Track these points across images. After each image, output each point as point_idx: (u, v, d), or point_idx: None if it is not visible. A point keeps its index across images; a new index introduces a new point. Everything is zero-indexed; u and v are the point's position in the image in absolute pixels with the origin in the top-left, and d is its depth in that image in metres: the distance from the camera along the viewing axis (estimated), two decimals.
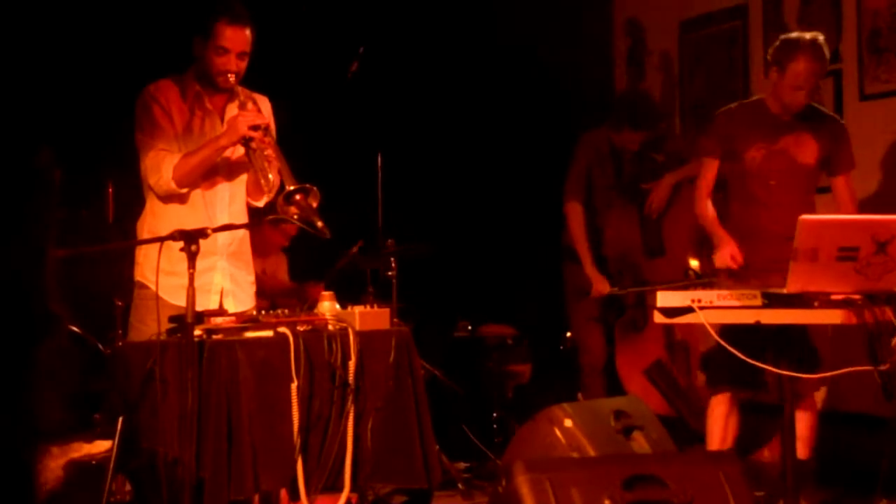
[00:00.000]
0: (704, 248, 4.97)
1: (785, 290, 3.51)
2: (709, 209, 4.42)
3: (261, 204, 3.94)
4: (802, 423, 4.20)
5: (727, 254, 4.26)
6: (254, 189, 3.88)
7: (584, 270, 5.51)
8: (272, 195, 3.72)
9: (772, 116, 4.32)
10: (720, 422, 4.34)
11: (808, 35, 4.20)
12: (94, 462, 3.82)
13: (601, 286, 5.47)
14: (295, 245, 5.61)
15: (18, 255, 1.57)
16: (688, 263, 5.34)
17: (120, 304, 4.44)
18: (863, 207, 5.24)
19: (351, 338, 3.45)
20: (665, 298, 3.62)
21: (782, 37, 4.28)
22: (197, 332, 3.25)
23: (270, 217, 3.89)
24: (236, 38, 3.72)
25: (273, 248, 5.54)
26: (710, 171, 4.41)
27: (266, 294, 4.19)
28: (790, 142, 4.32)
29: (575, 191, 5.61)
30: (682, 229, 5.41)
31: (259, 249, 4.38)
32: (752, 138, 4.31)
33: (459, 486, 4.75)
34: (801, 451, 4.18)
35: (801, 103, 4.24)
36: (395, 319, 3.84)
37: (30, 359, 1.55)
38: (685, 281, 4.93)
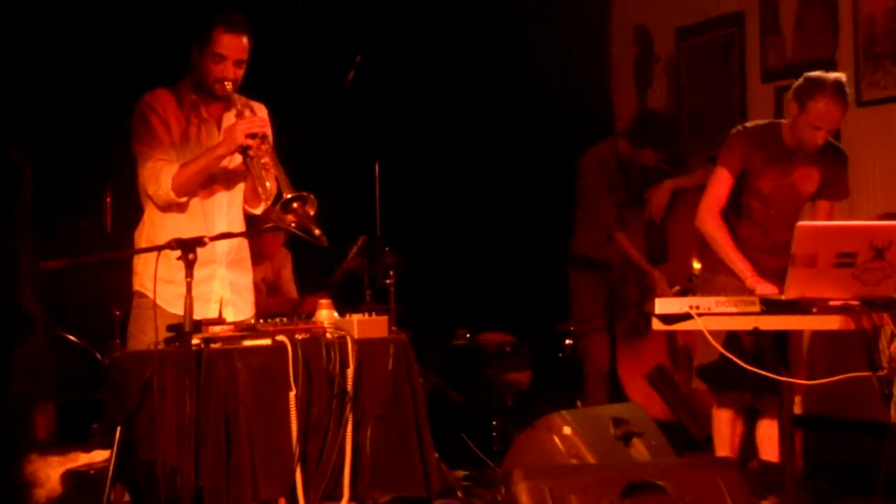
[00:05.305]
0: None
1: (783, 297, 3.51)
2: (724, 230, 4.27)
3: (258, 212, 3.94)
4: (775, 426, 4.26)
5: (767, 288, 4.00)
6: (251, 197, 3.88)
7: (652, 277, 5.58)
8: (270, 203, 3.72)
9: (785, 148, 4.26)
10: (728, 428, 4.34)
11: (831, 75, 4.14)
12: (92, 472, 3.82)
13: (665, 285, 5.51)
14: (295, 253, 5.61)
15: None
16: (692, 269, 5.37)
17: (118, 313, 4.43)
18: (860, 214, 5.26)
19: (349, 346, 3.45)
20: (663, 305, 3.62)
21: (806, 75, 4.20)
22: (195, 340, 3.25)
23: (268, 225, 3.89)
24: (234, 46, 3.72)
25: (274, 250, 5.53)
26: (724, 185, 4.27)
27: (264, 311, 4.17)
28: (799, 176, 4.31)
29: (616, 223, 5.70)
30: (685, 235, 5.43)
31: (257, 258, 4.37)
32: (766, 167, 4.27)
33: (459, 494, 4.73)
34: (775, 454, 4.22)
35: (820, 144, 4.18)
36: (393, 327, 3.83)
37: (7, 359, 1.54)
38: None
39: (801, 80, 4.20)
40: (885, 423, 3.53)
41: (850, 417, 5.15)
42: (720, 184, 4.29)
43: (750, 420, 4.53)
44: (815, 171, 4.31)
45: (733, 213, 4.35)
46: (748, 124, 4.38)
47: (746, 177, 4.30)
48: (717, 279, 4.30)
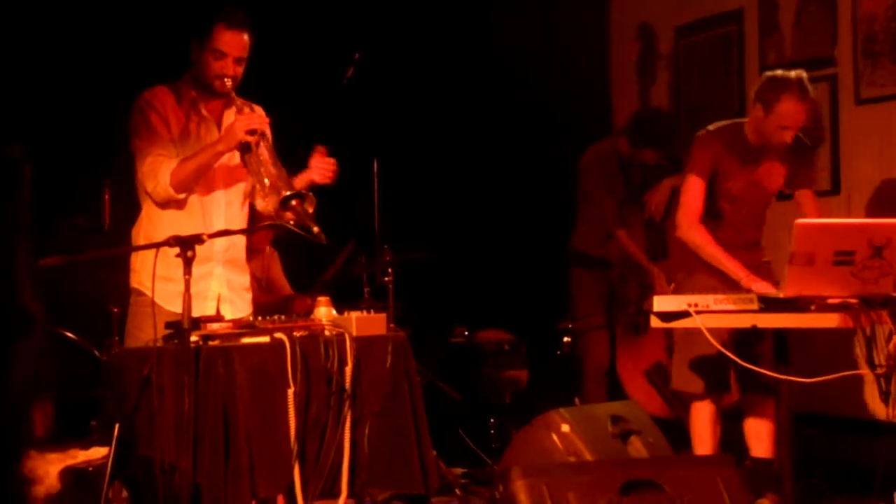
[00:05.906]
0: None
1: (781, 295, 3.51)
2: (708, 236, 4.26)
3: (272, 208, 3.88)
4: (763, 423, 4.27)
5: (764, 287, 4.00)
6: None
7: (652, 274, 5.60)
8: (272, 199, 3.70)
9: (750, 146, 4.30)
10: (709, 427, 4.34)
11: (793, 73, 4.17)
12: (90, 469, 3.82)
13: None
14: (289, 251, 5.60)
15: None
16: None
17: (116, 310, 4.43)
18: (859, 212, 5.26)
19: (348, 343, 3.45)
20: (662, 303, 3.62)
21: (768, 74, 4.25)
22: (193, 338, 3.24)
23: (266, 223, 3.88)
24: (234, 43, 3.71)
25: (263, 245, 5.52)
26: (698, 192, 4.28)
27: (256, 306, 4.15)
28: (763, 172, 4.35)
29: (617, 220, 5.72)
30: None
31: (248, 253, 4.36)
32: (732, 168, 4.30)
33: (457, 491, 4.74)
34: (766, 450, 4.25)
35: (788, 142, 4.23)
36: (391, 325, 3.83)
37: (6, 356, 1.54)
38: None
39: (763, 80, 4.22)
40: (881, 420, 3.54)
41: (847, 415, 5.16)
42: (694, 191, 4.30)
43: (732, 420, 4.55)
44: (779, 165, 4.36)
45: (708, 217, 4.36)
46: (710, 127, 4.39)
47: (715, 180, 4.32)
48: (694, 279, 4.31)
